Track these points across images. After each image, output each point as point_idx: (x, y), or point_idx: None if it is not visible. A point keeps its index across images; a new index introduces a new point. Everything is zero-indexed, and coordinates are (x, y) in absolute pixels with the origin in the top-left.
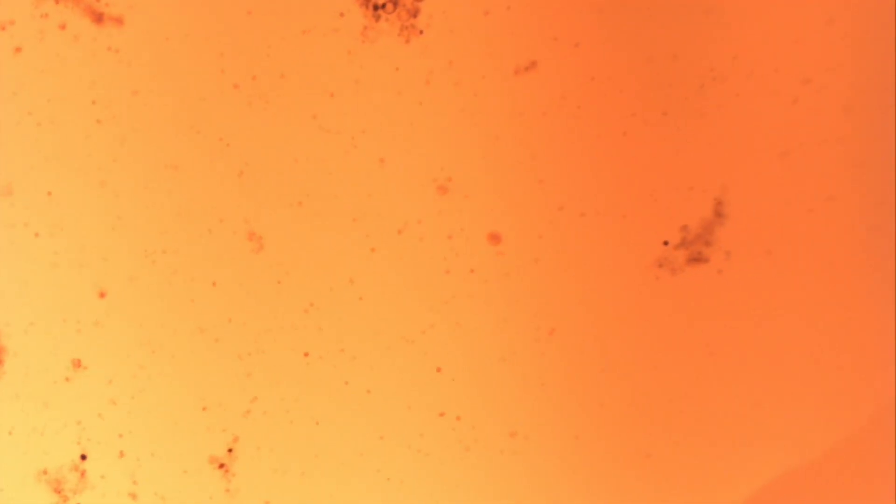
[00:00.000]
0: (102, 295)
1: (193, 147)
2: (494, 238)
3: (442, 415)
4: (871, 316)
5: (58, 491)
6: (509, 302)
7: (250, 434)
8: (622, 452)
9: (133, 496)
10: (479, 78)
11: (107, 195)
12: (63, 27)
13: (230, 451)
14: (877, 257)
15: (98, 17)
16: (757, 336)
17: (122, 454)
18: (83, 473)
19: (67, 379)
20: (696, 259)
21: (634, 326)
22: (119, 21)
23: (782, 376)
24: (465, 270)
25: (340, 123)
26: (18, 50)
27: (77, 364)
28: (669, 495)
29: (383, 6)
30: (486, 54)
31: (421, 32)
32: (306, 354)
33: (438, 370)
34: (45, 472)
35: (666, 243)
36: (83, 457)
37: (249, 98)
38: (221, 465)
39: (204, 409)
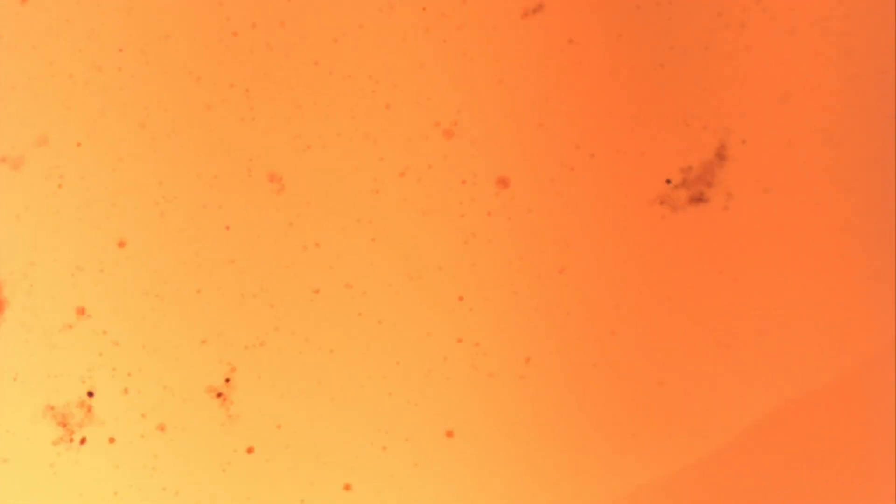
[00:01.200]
0: (122, 244)
1: (206, 92)
2: (503, 182)
3: (460, 341)
4: (866, 263)
5: (63, 425)
6: (519, 243)
7: (254, 364)
8: (635, 380)
9: (140, 427)
10: (486, 19)
11: (145, 137)
12: None
13: (227, 380)
14: (873, 199)
15: None
16: (756, 270)
17: (126, 391)
18: (89, 409)
19: (70, 326)
20: (698, 199)
21: (640, 263)
22: None
23: (781, 312)
24: (475, 214)
25: (345, 68)
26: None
27: (81, 311)
28: (681, 420)
29: None
30: None
31: None
32: (317, 291)
33: (461, 299)
34: (51, 408)
35: (669, 181)
36: (90, 393)
37: (253, 44)
38: (219, 395)
39: (203, 341)
